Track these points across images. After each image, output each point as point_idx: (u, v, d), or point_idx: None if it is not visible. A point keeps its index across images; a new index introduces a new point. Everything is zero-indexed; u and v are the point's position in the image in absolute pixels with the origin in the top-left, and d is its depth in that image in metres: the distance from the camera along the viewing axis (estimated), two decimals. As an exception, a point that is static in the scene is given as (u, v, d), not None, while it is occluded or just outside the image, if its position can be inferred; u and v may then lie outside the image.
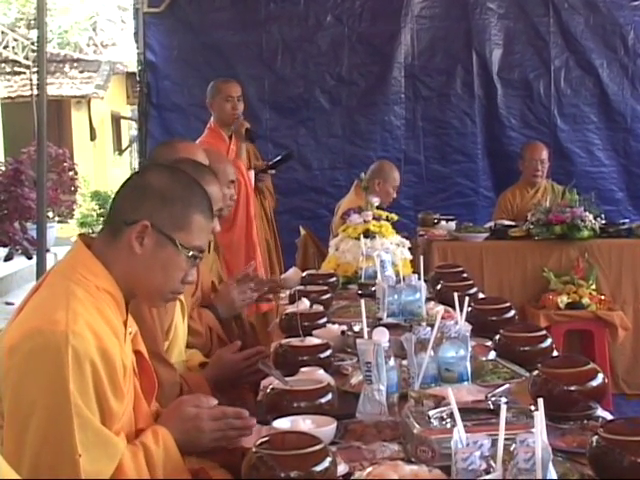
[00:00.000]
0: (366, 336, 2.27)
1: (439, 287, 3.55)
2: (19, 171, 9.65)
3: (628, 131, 6.82)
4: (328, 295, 3.51)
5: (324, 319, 3.03)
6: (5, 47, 14.45)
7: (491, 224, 5.80)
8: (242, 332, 3.40)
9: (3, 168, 10.13)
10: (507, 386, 2.21)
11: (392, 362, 2.19)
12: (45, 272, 1.96)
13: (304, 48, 6.72)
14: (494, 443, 1.47)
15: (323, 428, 1.89)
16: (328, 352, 2.55)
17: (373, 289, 3.46)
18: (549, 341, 2.51)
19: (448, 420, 1.79)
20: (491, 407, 1.89)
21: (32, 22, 16.10)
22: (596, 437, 1.60)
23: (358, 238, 4.25)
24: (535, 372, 2.07)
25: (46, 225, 6.59)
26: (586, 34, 6.75)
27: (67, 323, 1.71)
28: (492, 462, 1.47)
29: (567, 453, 1.77)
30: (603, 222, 5.43)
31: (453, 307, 2.59)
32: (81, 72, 16.64)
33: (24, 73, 15.35)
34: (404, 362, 2.32)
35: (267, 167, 5.23)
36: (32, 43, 14.28)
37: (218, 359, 2.79)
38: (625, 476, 1.53)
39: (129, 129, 19.23)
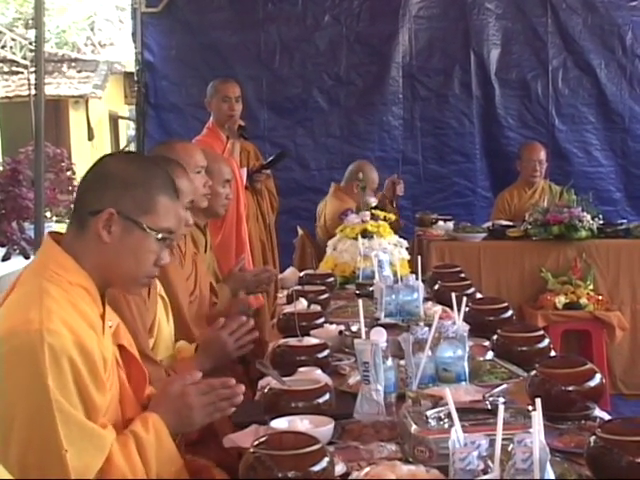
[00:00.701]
0: (364, 336, 2.27)
1: (437, 287, 3.56)
2: (17, 171, 9.63)
3: (626, 131, 6.82)
4: (326, 295, 3.52)
5: (322, 319, 3.03)
6: (3, 47, 14.44)
7: (489, 224, 5.80)
8: None
9: (1, 168, 10.11)
10: (505, 386, 2.21)
11: (390, 362, 2.19)
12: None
13: (302, 48, 6.72)
14: (492, 443, 1.47)
15: (321, 428, 1.89)
16: (326, 352, 2.55)
17: (371, 289, 3.46)
18: (547, 341, 2.51)
19: (446, 420, 1.79)
20: (489, 407, 1.89)
21: (30, 22, 16.05)
22: (594, 437, 1.60)
23: (356, 238, 4.25)
24: (533, 372, 2.08)
25: (44, 225, 6.59)
26: (584, 34, 6.75)
27: (41, 321, 1.71)
28: (490, 462, 1.47)
29: (565, 453, 1.78)
30: (601, 222, 5.44)
31: (451, 307, 2.59)
32: (79, 72, 16.60)
33: (22, 73, 15.32)
34: (402, 362, 2.32)
35: (261, 167, 5.22)
36: (30, 43, 14.26)
37: (203, 341, 2.73)
38: (623, 476, 1.53)
39: (127, 129, 19.20)
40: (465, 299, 2.55)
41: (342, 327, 2.93)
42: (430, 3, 6.76)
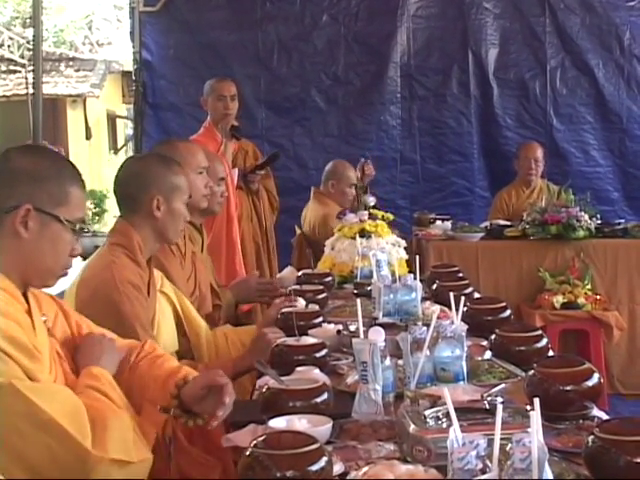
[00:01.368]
0: (362, 336, 2.27)
1: (435, 287, 3.56)
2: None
3: (624, 131, 6.83)
4: (324, 294, 3.51)
5: (320, 318, 3.02)
6: (1, 46, 14.42)
7: (487, 224, 5.81)
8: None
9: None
10: (503, 386, 2.21)
11: (388, 362, 2.19)
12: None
13: (300, 47, 6.72)
14: (490, 443, 1.47)
15: (319, 428, 1.89)
16: (324, 351, 2.55)
17: (369, 288, 3.46)
18: (545, 341, 2.51)
19: (444, 420, 1.79)
20: (487, 407, 1.88)
21: (28, 21, 16.06)
22: (592, 437, 1.60)
23: (354, 237, 4.26)
24: (531, 372, 2.07)
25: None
26: (582, 34, 6.76)
27: None
28: (488, 462, 1.47)
29: (563, 453, 1.78)
30: (599, 222, 5.44)
31: (449, 307, 2.59)
32: (77, 71, 16.59)
33: (19, 72, 15.31)
34: (400, 362, 2.32)
35: (255, 167, 5.21)
36: (28, 42, 14.25)
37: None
38: (621, 476, 1.53)
39: (125, 128, 19.19)
40: (463, 299, 2.55)
41: (340, 327, 2.93)
42: (428, 3, 6.76)
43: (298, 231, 5.68)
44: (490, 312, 2.95)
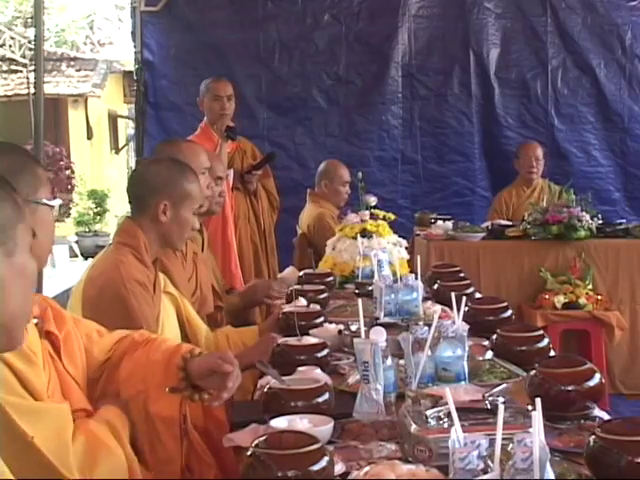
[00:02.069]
0: (363, 335, 2.26)
1: (436, 287, 3.56)
2: (16, 170, 9.62)
3: (625, 131, 6.83)
4: (325, 294, 3.51)
5: (321, 318, 3.02)
6: (2, 45, 14.43)
7: (488, 224, 5.80)
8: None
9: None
10: (504, 386, 2.21)
11: (389, 361, 2.19)
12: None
13: (301, 47, 6.71)
14: (491, 443, 1.47)
15: (320, 427, 1.89)
16: (325, 351, 2.55)
17: (370, 288, 3.46)
18: (546, 341, 2.51)
19: (445, 420, 1.79)
20: (488, 407, 1.88)
21: (29, 20, 16.04)
22: (593, 437, 1.60)
23: (355, 237, 4.25)
24: (532, 372, 2.07)
25: (43, 224, 6.57)
26: (583, 34, 6.76)
27: None
28: (489, 462, 1.47)
29: (564, 453, 1.77)
30: (600, 222, 5.44)
31: (450, 307, 2.59)
32: (78, 71, 16.59)
33: (21, 71, 15.32)
34: (401, 362, 2.32)
35: (251, 168, 5.19)
36: (29, 41, 14.25)
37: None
38: (622, 476, 1.53)
39: (126, 128, 19.18)
40: (464, 299, 2.55)
41: (341, 326, 2.92)
42: (430, 2, 6.76)
43: (299, 231, 5.68)
44: (491, 312, 2.95)
